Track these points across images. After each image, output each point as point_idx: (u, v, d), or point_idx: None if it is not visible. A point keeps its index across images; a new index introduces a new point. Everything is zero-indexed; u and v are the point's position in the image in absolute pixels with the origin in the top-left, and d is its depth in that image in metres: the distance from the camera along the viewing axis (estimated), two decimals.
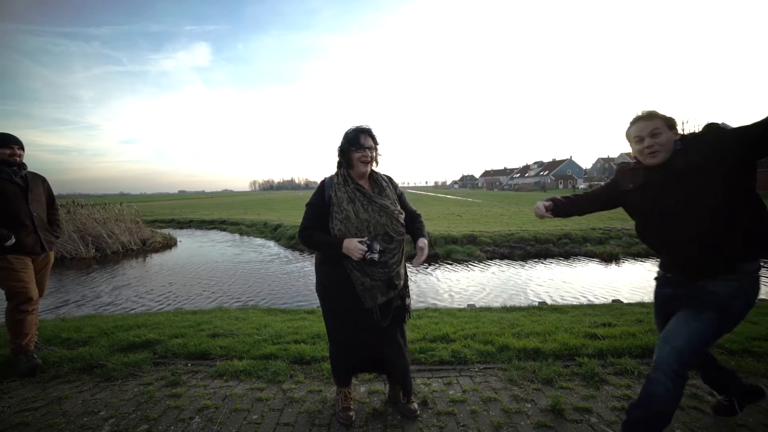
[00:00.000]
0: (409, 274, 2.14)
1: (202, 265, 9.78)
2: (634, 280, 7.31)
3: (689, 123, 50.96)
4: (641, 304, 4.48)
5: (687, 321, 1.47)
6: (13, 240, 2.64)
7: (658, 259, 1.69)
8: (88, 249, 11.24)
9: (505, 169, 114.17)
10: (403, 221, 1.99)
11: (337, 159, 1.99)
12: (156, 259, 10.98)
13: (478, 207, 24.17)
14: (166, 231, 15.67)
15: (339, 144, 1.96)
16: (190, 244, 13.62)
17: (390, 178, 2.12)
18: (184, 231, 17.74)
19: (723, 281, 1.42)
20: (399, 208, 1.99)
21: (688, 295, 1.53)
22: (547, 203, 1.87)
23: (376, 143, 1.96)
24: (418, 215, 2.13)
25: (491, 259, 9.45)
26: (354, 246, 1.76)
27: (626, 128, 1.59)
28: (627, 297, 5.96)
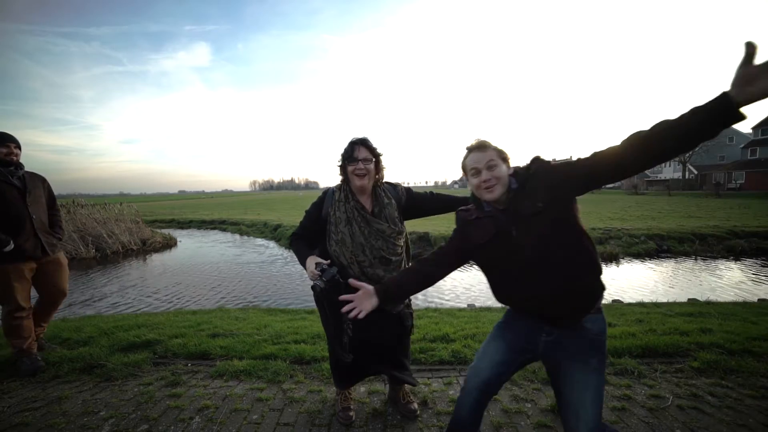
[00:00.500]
0: None
1: (202, 265, 9.78)
2: (634, 280, 7.30)
3: None
4: (641, 304, 4.48)
5: (585, 377, 1.28)
6: (12, 245, 2.58)
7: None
8: (88, 249, 11.24)
9: None
10: (401, 242, 1.89)
11: (339, 173, 1.88)
12: (156, 259, 10.98)
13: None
14: (166, 231, 15.68)
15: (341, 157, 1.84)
16: (190, 245, 13.62)
17: (395, 187, 1.97)
18: (184, 231, 17.74)
19: (591, 316, 1.30)
20: (399, 229, 1.86)
21: (560, 341, 1.33)
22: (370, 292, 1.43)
23: (375, 155, 1.83)
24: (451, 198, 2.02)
25: None
26: (309, 268, 1.67)
27: (462, 159, 1.43)
28: (627, 297, 5.95)
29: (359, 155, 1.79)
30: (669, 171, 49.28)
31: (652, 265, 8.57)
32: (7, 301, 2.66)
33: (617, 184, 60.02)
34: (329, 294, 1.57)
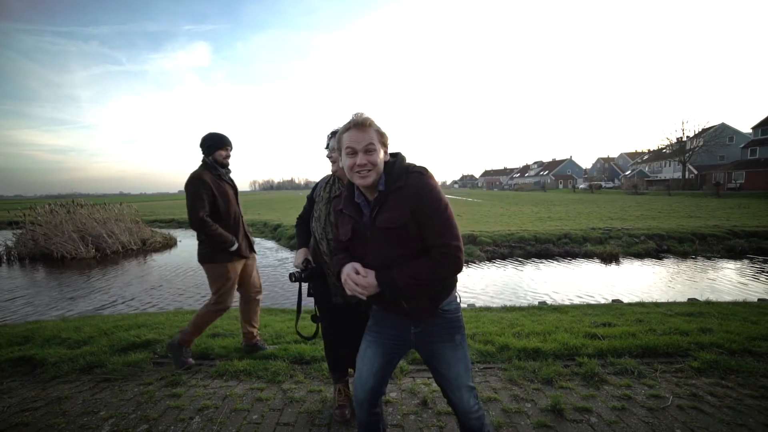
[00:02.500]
0: None
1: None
2: (634, 280, 7.30)
3: (689, 123, 51.08)
4: (641, 304, 4.48)
5: (453, 352, 1.39)
6: (236, 245, 2.67)
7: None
8: (88, 249, 11.23)
9: (505, 169, 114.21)
10: None
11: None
12: (156, 259, 10.97)
13: (478, 207, 24.16)
14: (166, 231, 15.67)
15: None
16: (191, 244, 13.62)
17: None
18: (184, 231, 17.74)
19: (445, 301, 1.38)
20: None
21: (427, 331, 1.40)
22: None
23: None
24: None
25: (491, 259, 9.45)
26: (296, 258, 1.90)
27: (339, 132, 1.33)
28: (627, 297, 5.96)
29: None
30: (669, 171, 49.27)
31: (652, 265, 8.57)
32: (221, 297, 2.71)
33: (617, 183, 60.04)
34: (299, 282, 1.80)
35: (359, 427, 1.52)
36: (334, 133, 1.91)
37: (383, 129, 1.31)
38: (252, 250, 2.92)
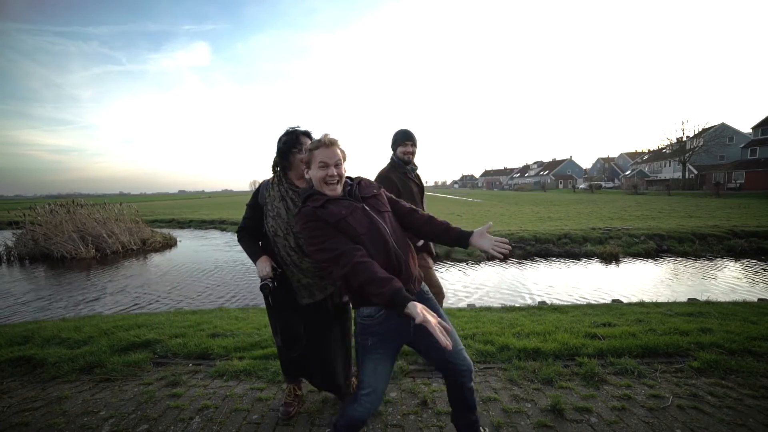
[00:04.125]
0: None
1: (202, 264, 9.78)
2: (634, 280, 7.30)
3: (689, 123, 51.07)
4: (641, 304, 4.48)
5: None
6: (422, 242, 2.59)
7: (363, 302, 1.53)
8: (88, 249, 11.24)
9: (505, 169, 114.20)
10: None
11: (273, 162, 2.00)
12: (156, 259, 10.98)
13: (479, 207, 24.17)
14: (166, 231, 15.67)
15: (277, 146, 1.96)
16: (190, 244, 13.62)
17: None
18: (184, 231, 17.73)
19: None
20: None
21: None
22: None
23: None
24: None
25: (491, 259, 9.45)
26: (262, 268, 1.89)
27: (309, 147, 1.58)
28: (627, 297, 5.95)
29: (307, 145, 1.92)
30: (669, 171, 49.26)
31: (652, 265, 8.57)
32: (436, 291, 2.60)
33: (616, 183, 59.98)
34: (275, 293, 1.87)
35: (352, 426, 1.55)
36: (298, 134, 1.93)
37: (343, 147, 1.61)
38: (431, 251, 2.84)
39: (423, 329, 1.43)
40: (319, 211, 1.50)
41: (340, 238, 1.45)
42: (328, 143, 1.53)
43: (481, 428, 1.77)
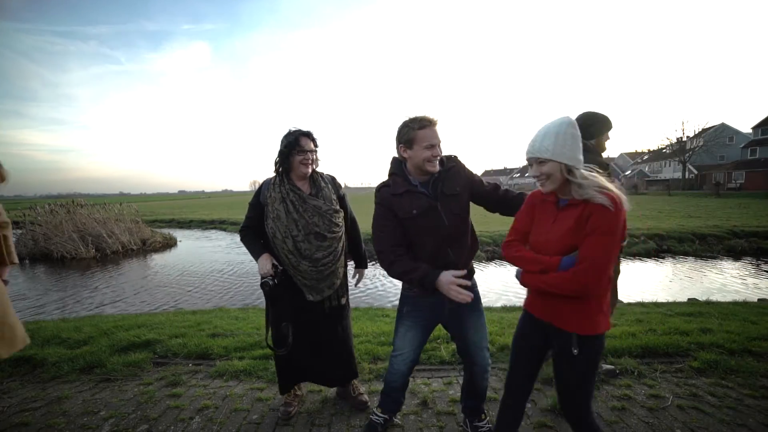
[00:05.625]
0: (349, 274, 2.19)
1: (202, 264, 9.78)
2: (634, 280, 7.30)
3: (689, 123, 51.07)
4: (641, 304, 4.48)
5: (478, 320, 1.77)
6: None
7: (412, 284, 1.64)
8: (88, 249, 11.24)
9: (505, 169, 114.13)
10: (339, 221, 2.03)
11: (275, 162, 1.98)
12: (156, 259, 10.98)
13: (478, 207, 24.14)
14: (166, 231, 15.67)
15: (279, 148, 1.95)
16: (190, 244, 13.62)
17: (333, 179, 2.15)
18: (184, 231, 17.74)
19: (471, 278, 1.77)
20: (335, 207, 2.02)
21: (459, 303, 1.56)
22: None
23: (316, 146, 1.99)
24: (355, 221, 2.21)
25: (491, 260, 9.45)
26: (263, 265, 1.88)
27: (413, 129, 1.58)
28: (627, 297, 5.95)
29: (307, 146, 1.94)
30: (669, 171, 49.25)
31: (652, 265, 8.57)
32: None
33: (617, 183, 59.78)
34: (275, 291, 1.85)
35: (388, 389, 1.87)
36: (298, 135, 1.91)
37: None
38: None
39: (455, 314, 1.69)
40: (395, 200, 1.63)
41: (392, 233, 1.62)
42: (436, 122, 1.58)
43: (483, 413, 1.91)
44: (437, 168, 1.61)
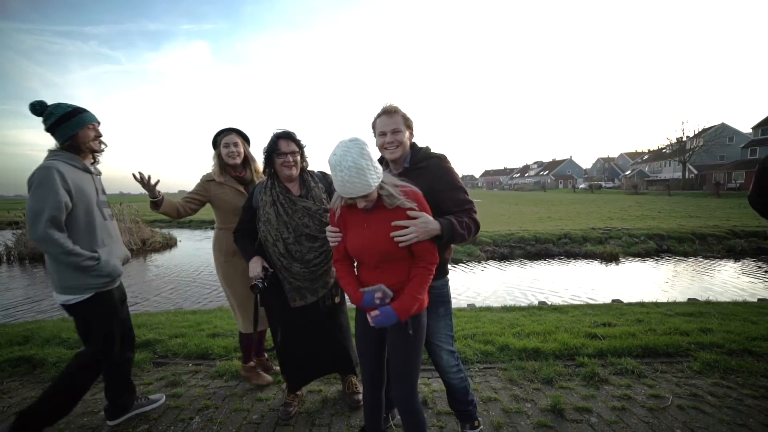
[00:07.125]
0: None
1: (202, 264, 9.79)
2: (634, 280, 7.30)
3: (689, 123, 51.07)
4: (641, 304, 4.48)
5: (437, 324, 1.72)
6: None
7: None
8: None
9: (505, 169, 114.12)
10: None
11: (263, 165, 1.98)
12: (156, 259, 10.98)
13: (478, 207, 24.04)
14: (166, 231, 15.66)
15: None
16: (191, 245, 13.62)
17: (323, 175, 2.12)
18: (185, 231, 17.73)
19: (438, 279, 1.65)
20: (326, 206, 1.97)
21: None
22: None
23: (299, 146, 1.95)
24: None
25: (491, 259, 9.45)
26: (253, 268, 1.88)
27: (375, 118, 1.65)
28: (627, 297, 5.96)
29: (286, 149, 1.90)
30: (669, 171, 49.25)
31: (652, 265, 8.57)
32: None
33: (616, 183, 59.99)
34: (264, 293, 1.84)
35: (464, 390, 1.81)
36: (277, 137, 1.89)
37: (408, 114, 1.63)
38: None
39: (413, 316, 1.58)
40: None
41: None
42: (385, 112, 1.61)
43: (477, 420, 1.86)
44: (394, 156, 1.62)
